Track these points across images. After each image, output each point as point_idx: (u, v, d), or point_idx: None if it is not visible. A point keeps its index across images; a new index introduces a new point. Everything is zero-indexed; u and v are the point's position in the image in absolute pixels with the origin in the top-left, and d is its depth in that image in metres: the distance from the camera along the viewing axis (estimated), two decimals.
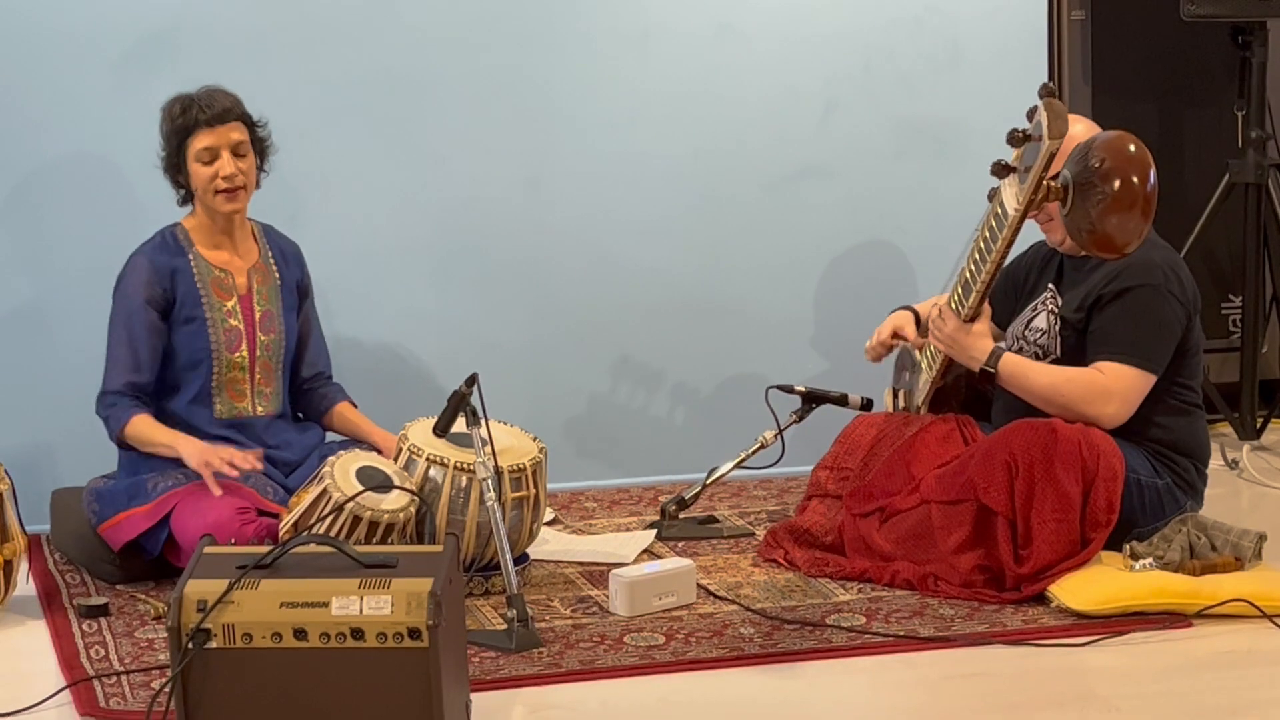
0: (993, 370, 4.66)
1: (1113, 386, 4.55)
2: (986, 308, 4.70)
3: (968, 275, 4.64)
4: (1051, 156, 4.30)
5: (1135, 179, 4.29)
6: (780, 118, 5.62)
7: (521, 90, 5.44)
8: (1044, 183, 4.35)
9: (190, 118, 4.64)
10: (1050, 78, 5.90)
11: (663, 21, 5.52)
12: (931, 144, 5.70)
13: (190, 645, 3.43)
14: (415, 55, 5.36)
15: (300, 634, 3.42)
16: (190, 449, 4.57)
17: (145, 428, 4.64)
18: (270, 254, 4.84)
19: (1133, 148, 4.32)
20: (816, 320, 5.70)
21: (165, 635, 3.97)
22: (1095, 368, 4.58)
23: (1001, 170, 4.48)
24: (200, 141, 4.64)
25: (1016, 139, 4.39)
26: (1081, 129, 4.62)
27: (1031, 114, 4.34)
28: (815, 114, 5.65)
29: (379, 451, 4.70)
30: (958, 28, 5.70)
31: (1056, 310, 4.70)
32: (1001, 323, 4.93)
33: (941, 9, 5.68)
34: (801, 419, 5.14)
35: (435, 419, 4.51)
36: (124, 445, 4.69)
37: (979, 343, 4.69)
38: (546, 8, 5.44)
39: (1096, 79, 6.03)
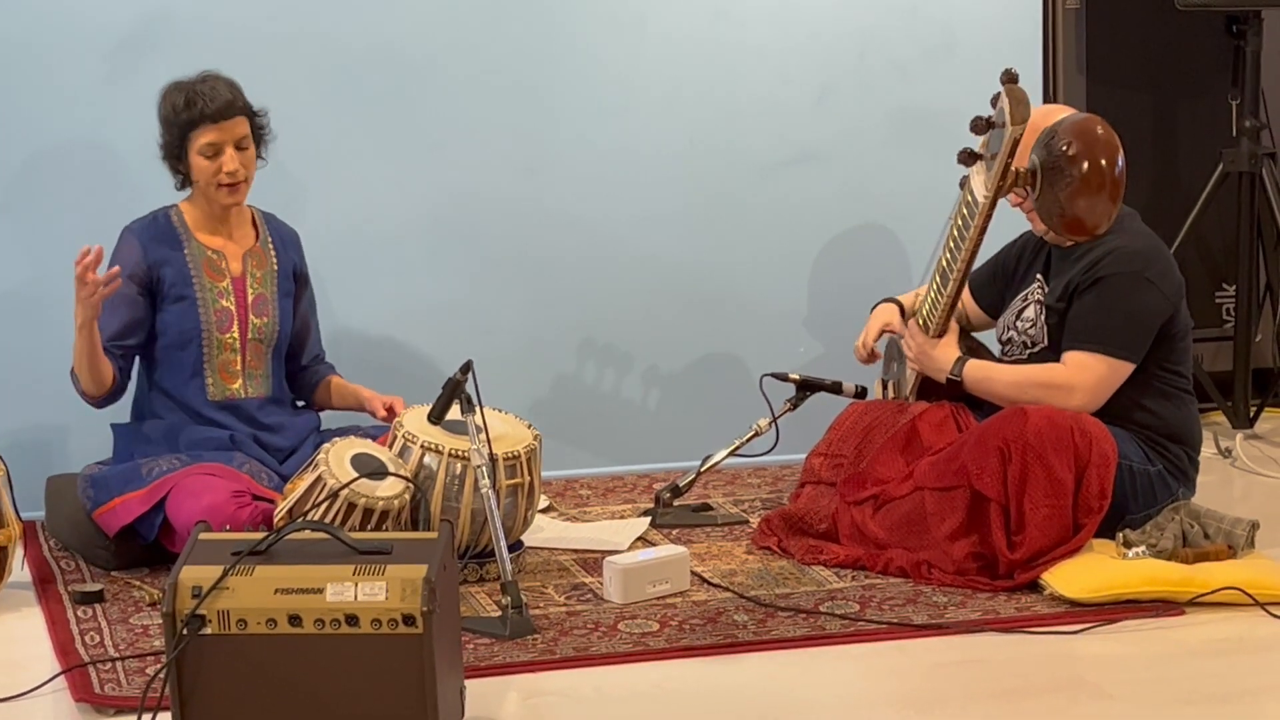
0: (958, 379, 4.68)
1: (1074, 379, 4.56)
2: (954, 325, 4.74)
3: (944, 264, 4.66)
4: (1015, 142, 4.32)
5: (1103, 161, 4.30)
6: (775, 105, 5.63)
7: (517, 77, 5.44)
8: (1011, 168, 4.37)
9: (195, 112, 4.62)
10: (1045, 66, 5.91)
11: (658, 9, 5.52)
12: (926, 131, 5.69)
13: (185, 631, 3.43)
14: (411, 42, 5.36)
15: (295, 620, 3.43)
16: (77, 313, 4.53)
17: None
18: (270, 240, 4.85)
19: (1099, 130, 4.34)
20: (811, 308, 5.71)
21: (160, 621, 3.96)
22: (1063, 359, 4.59)
23: (969, 158, 4.49)
24: (205, 136, 4.63)
25: (980, 126, 4.40)
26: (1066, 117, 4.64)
27: (995, 100, 4.35)
28: (810, 101, 5.65)
29: (366, 407, 4.74)
30: (952, 16, 5.70)
31: (1043, 300, 4.71)
32: (992, 311, 4.94)
33: None
34: (795, 407, 5.15)
35: (430, 406, 4.52)
36: (100, 397, 4.65)
37: (944, 354, 4.72)
38: None
39: (1091, 68, 6.04)
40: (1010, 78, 4.31)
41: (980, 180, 4.45)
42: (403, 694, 3.43)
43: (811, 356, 5.66)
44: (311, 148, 5.27)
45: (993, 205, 4.44)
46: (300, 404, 4.95)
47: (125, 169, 5.08)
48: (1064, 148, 4.30)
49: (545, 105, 5.48)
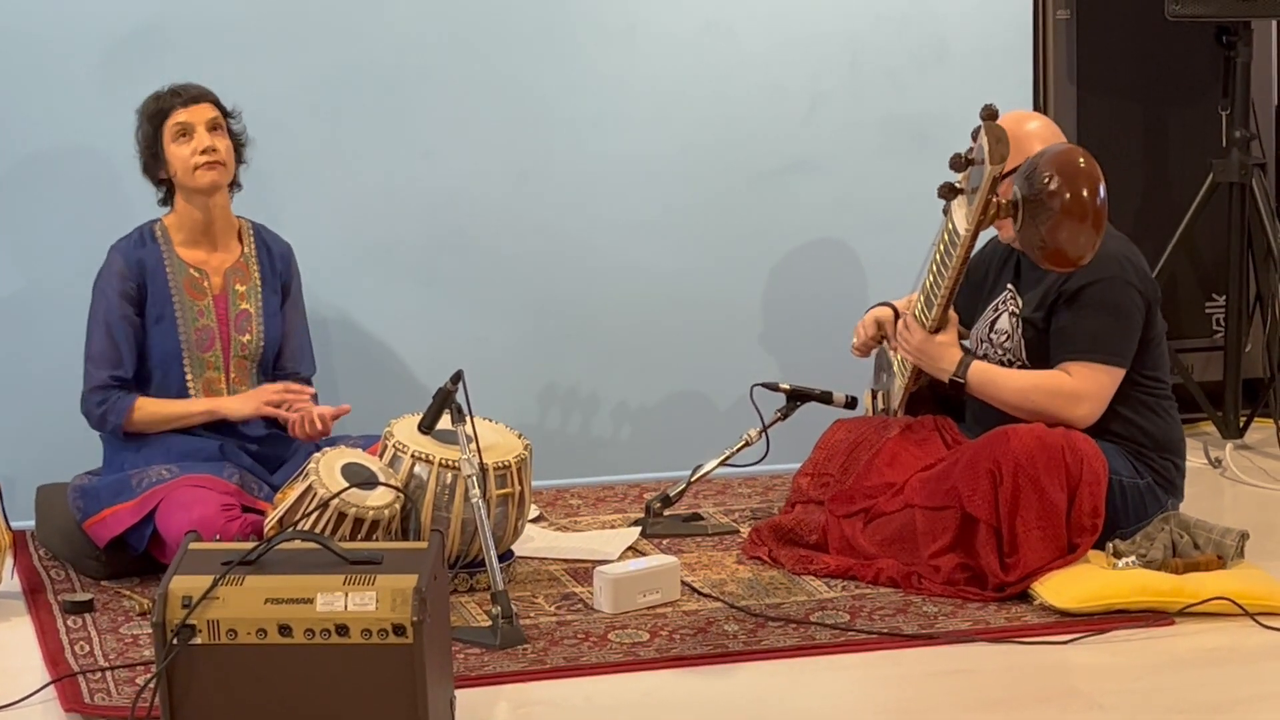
0: (962, 380, 4.67)
1: (1081, 388, 4.55)
2: (952, 315, 4.71)
3: (929, 286, 4.66)
4: (995, 180, 4.31)
5: (1085, 193, 4.27)
6: (766, 113, 5.63)
7: (508, 85, 5.44)
8: (993, 202, 4.36)
9: (165, 101, 4.68)
10: (1035, 76, 5.91)
11: (649, 17, 5.52)
12: (917, 140, 5.70)
13: (175, 641, 3.43)
14: (402, 50, 5.36)
15: (285, 630, 3.43)
16: (236, 405, 4.65)
17: (154, 406, 4.66)
18: (256, 253, 4.83)
19: (1081, 161, 4.31)
20: (802, 317, 5.71)
21: (150, 631, 3.96)
22: (1062, 369, 4.58)
23: (949, 192, 4.49)
24: (176, 119, 4.66)
25: (959, 163, 4.41)
26: (1037, 125, 4.62)
27: (975, 135, 4.35)
28: (801, 110, 5.66)
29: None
30: (944, 25, 5.71)
31: (1017, 311, 4.69)
32: (965, 321, 4.93)
33: (927, 6, 5.69)
34: (786, 416, 5.15)
35: (421, 415, 4.52)
36: (127, 435, 4.67)
37: (947, 353, 4.69)
38: (534, 3, 5.45)
39: (1081, 78, 6.04)
40: (990, 114, 4.30)
41: (962, 214, 4.46)
42: (393, 704, 3.43)
43: (803, 367, 5.65)
44: (302, 156, 5.27)
45: (974, 237, 4.46)
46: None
47: (117, 177, 5.07)
48: (1045, 181, 4.27)
49: (537, 114, 5.48)
